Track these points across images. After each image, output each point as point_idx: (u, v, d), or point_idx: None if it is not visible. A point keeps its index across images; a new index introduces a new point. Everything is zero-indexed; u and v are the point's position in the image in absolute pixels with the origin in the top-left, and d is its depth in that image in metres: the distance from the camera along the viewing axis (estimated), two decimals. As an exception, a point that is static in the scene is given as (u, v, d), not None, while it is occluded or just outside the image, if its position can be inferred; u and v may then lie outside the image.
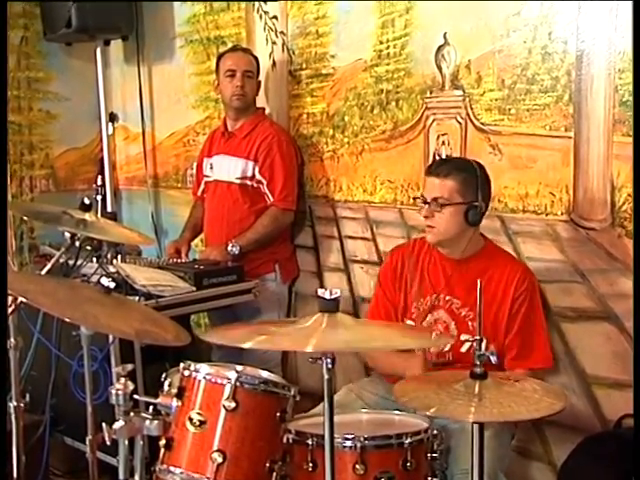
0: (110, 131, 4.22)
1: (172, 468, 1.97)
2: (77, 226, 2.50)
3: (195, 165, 3.70)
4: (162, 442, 1.99)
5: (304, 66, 3.44)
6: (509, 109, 2.76)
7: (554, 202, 2.68)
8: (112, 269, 2.96)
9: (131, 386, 1.97)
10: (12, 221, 4.02)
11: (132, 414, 1.97)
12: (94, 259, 2.99)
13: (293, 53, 3.47)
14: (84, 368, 2.24)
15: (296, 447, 2.03)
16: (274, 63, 3.56)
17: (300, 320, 1.80)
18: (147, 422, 1.98)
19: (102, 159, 4.24)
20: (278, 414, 2.00)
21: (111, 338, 2.67)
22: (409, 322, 2.51)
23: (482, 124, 2.83)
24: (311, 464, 1.99)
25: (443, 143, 2.96)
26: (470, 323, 2.38)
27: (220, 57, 3.42)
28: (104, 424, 1.95)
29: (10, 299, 2.33)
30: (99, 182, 3.33)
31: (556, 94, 2.64)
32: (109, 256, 3.10)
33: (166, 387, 2.10)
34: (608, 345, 2.57)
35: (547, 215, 2.70)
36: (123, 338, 2.52)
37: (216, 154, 3.47)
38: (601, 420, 2.60)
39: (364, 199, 3.26)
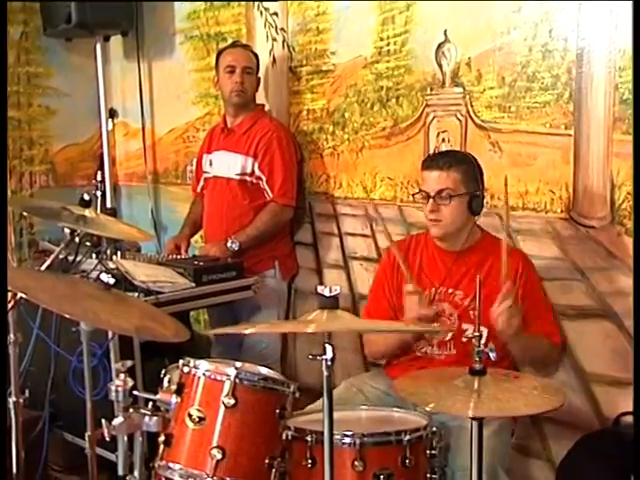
0: (110, 127, 4.22)
1: (171, 464, 1.97)
2: (77, 222, 2.50)
3: (195, 161, 3.69)
4: (161, 438, 2.00)
5: (304, 63, 3.43)
6: (509, 107, 2.76)
7: (554, 200, 2.68)
8: (112, 265, 2.95)
9: (130, 382, 1.98)
10: (12, 217, 4.02)
11: (131, 410, 1.98)
12: (94, 255, 2.98)
13: (293, 50, 3.47)
14: (83, 364, 2.24)
15: (295, 443, 2.03)
16: (274, 60, 3.55)
17: (300, 318, 1.81)
18: (146, 418, 1.99)
19: (102, 155, 4.24)
20: (277, 411, 2.00)
21: (110, 334, 2.67)
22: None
23: (482, 121, 2.83)
24: (310, 460, 1.99)
25: (443, 140, 2.96)
26: (471, 312, 2.37)
27: (220, 53, 3.41)
28: (103, 420, 1.96)
29: (10, 295, 2.34)
30: (99, 178, 3.34)
31: (556, 92, 2.64)
32: (109, 252, 3.11)
33: (165, 383, 2.10)
34: (607, 343, 2.57)
35: (547, 213, 2.70)
36: (122, 334, 2.52)
37: (216, 150, 3.46)
38: (599, 418, 2.60)
39: (364, 196, 3.26)
